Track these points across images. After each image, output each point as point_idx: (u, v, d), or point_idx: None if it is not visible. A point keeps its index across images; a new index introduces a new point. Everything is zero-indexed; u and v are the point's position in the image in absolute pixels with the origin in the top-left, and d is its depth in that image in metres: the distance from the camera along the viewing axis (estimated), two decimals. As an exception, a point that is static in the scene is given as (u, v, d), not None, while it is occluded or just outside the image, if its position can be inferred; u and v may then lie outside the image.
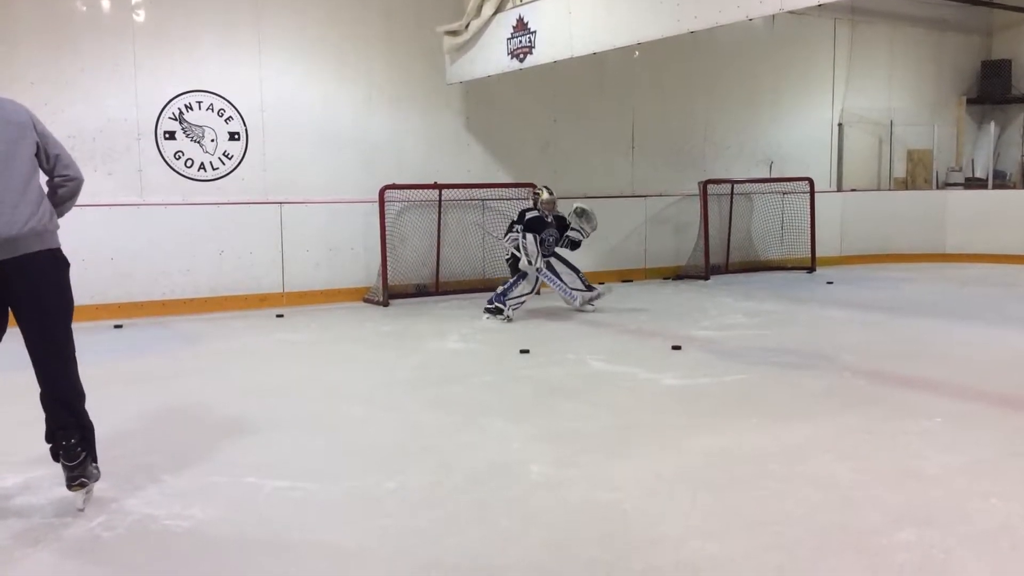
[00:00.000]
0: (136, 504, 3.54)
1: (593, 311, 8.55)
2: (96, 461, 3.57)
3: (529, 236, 8.31)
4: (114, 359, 6.62)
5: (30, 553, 3.10)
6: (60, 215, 3.62)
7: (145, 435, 4.58)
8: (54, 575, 2.97)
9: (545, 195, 8.61)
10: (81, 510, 3.44)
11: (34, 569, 3.00)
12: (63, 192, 3.64)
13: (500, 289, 8.45)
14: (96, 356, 6.73)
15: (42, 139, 3.54)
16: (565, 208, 8.91)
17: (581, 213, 8.70)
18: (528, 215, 8.53)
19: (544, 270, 8.39)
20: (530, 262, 8.26)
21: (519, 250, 8.31)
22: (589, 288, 8.83)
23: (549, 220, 8.58)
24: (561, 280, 8.52)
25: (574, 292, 8.50)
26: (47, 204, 3.50)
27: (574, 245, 8.83)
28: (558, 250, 8.80)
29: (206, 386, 5.78)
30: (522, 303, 8.38)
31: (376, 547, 3.14)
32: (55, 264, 3.48)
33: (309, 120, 9.49)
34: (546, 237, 8.53)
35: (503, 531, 3.26)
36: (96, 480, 3.57)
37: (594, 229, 8.84)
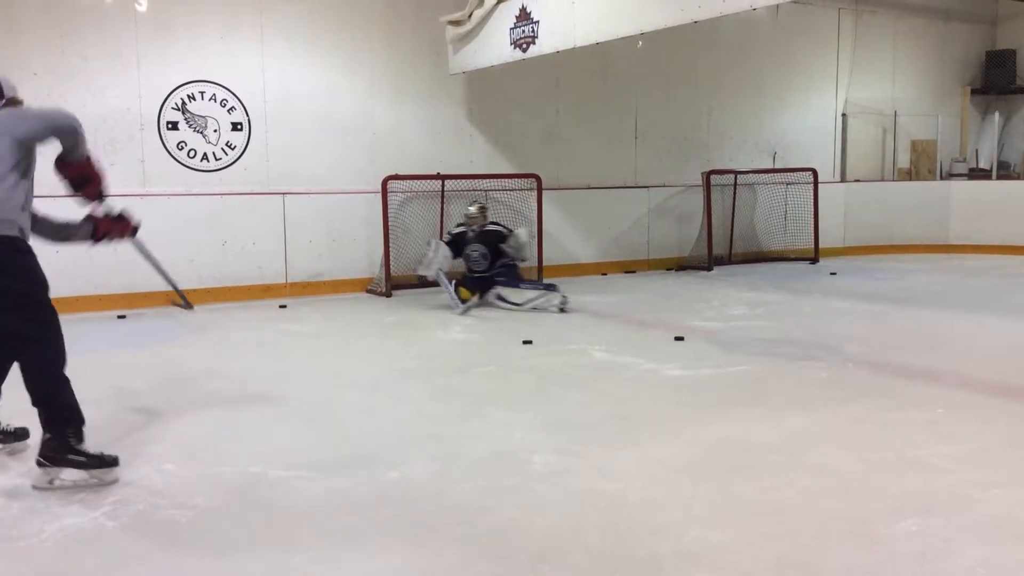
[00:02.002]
0: (140, 493, 3.55)
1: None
2: (73, 449, 3.59)
3: (442, 248, 8.43)
4: (118, 349, 6.64)
5: (33, 542, 3.12)
6: (79, 155, 3.73)
7: (149, 424, 4.59)
8: (57, 563, 2.98)
9: (466, 209, 8.74)
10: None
11: (37, 557, 3.02)
12: (66, 153, 3.71)
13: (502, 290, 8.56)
14: (100, 346, 6.76)
15: (29, 141, 3.59)
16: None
17: (517, 240, 8.53)
18: (455, 231, 8.76)
19: (442, 276, 8.39)
20: (426, 267, 8.44)
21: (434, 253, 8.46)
22: (549, 288, 8.48)
23: (470, 236, 8.59)
24: (450, 289, 8.34)
25: (458, 304, 8.23)
26: (9, 197, 3.54)
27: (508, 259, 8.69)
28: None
29: (209, 376, 5.79)
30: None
31: (379, 536, 3.15)
32: (10, 254, 3.53)
33: (312, 110, 9.48)
34: (470, 252, 8.57)
35: (506, 520, 3.27)
36: (71, 467, 3.59)
37: (518, 257, 8.60)
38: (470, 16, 9.22)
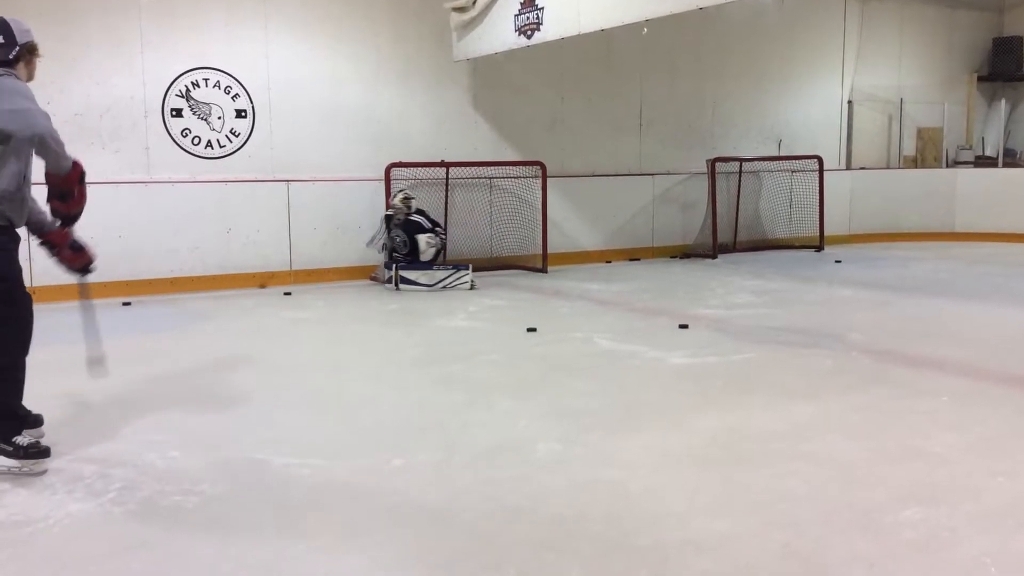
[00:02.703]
0: (146, 480, 3.57)
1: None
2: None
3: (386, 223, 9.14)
4: (123, 337, 6.64)
5: (40, 528, 3.13)
6: (54, 165, 3.64)
7: (154, 412, 4.60)
8: (65, 549, 2.99)
9: (392, 199, 9.21)
10: None
11: (43, 544, 3.03)
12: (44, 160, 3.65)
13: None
14: (105, 333, 6.75)
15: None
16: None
17: (422, 242, 9.14)
18: (386, 212, 9.22)
19: (375, 245, 9.23)
20: (375, 245, 9.22)
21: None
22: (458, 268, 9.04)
23: (396, 222, 9.12)
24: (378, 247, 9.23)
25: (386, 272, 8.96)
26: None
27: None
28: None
29: (215, 364, 5.80)
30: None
31: (383, 524, 3.16)
32: None
33: (316, 98, 9.46)
34: (394, 236, 9.12)
35: (510, 508, 3.27)
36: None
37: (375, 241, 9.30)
38: (475, 2, 9.19)
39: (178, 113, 8.78)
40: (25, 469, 3.61)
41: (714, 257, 11.41)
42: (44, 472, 3.64)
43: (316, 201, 9.47)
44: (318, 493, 3.45)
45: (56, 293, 7.90)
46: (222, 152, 9.03)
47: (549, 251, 10.27)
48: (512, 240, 10.40)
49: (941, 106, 13.72)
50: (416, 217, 9.23)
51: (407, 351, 6.14)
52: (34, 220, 3.99)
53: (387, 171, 9.40)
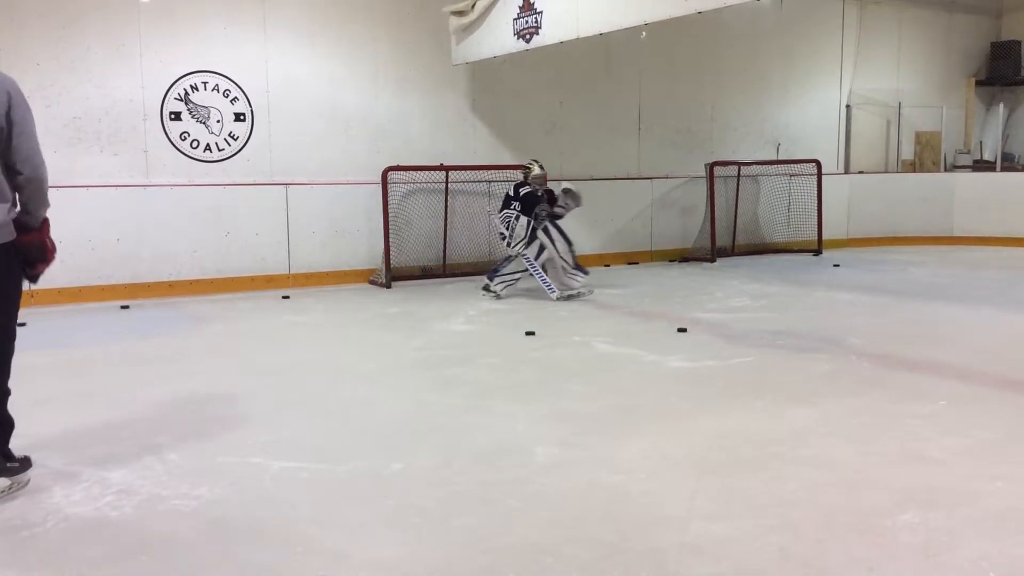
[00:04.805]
0: (144, 484, 3.56)
1: (582, 294, 8.55)
2: (10, 456, 3.52)
3: (523, 219, 8.41)
4: (121, 340, 6.65)
5: (38, 532, 3.13)
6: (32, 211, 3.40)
7: (152, 416, 4.60)
8: (62, 554, 2.98)
9: (536, 170, 8.68)
10: None
11: (41, 547, 3.02)
12: (23, 195, 3.37)
13: (495, 267, 8.70)
14: (103, 337, 6.77)
15: (12, 124, 3.27)
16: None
17: (567, 192, 8.67)
18: (522, 191, 8.56)
19: (530, 259, 8.44)
20: (510, 244, 8.47)
21: (508, 229, 8.48)
22: (578, 268, 8.62)
23: (540, 195, 8.63)
24: (544, 274, 8.48)
25: (553, 286, 8.39)
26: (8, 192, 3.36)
27: (556, 218, 8.75)
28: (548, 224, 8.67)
29: (213, 367, 5.80)
30: (515, 281, 8.60)
31: (382, 527, 3.16)
32: (12, 258, 3.39)
33: (315, 101, 9.47)
34: (539, 212, 8.56)
35: (508, 511, 3.27)
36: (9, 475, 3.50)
37: (578, 206, 8.76)
38: (473, 6, 9.20)
39: (177, 116, 8.78)
40: (15, 488, 3.52)
41: (712, 261, 11.42)
42: (28, 483, 3.56)
43: (314, 204, 9.48)
44: (316, 496, 3.44)
45: (55, 296, 7.91)
46: (220, 155, 9.04)
47: (548, 255, 10.27)
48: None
49: (939, 110, 13.75)
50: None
51: (406, 354, 6.14)
52: None
53: (384, 174, 9.40)
